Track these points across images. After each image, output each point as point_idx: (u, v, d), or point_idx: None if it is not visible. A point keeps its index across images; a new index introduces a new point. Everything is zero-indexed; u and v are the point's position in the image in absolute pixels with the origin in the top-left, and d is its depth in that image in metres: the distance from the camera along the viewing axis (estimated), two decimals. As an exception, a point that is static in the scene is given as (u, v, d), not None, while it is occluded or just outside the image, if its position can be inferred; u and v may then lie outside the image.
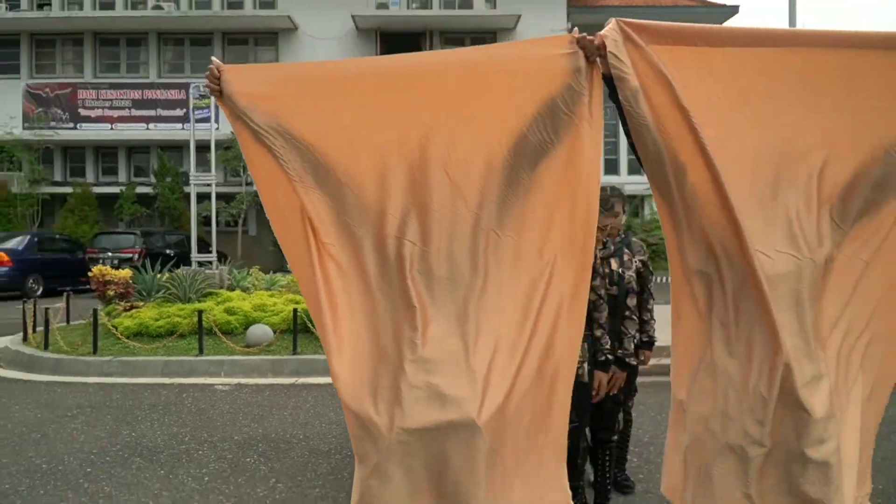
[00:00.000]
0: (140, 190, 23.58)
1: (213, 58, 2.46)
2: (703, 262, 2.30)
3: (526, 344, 2.31)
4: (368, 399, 2.26)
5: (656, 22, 2.24)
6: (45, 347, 8.61)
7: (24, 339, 9.33)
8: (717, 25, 2.53)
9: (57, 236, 19.87)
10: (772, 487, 2.25)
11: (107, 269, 10.61)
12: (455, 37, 25.93)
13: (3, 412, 6.10)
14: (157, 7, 24.61)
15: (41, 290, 17.78)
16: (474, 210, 2.29)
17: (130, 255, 17.75)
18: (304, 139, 2.31)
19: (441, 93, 2.30)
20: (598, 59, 2.24)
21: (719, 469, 2.25)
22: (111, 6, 25.43)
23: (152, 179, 23.81)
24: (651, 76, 2.15)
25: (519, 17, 24.62)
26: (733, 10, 27.14)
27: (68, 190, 24.28)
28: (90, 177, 25.42)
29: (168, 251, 19.19)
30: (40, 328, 9.35)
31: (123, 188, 23.65)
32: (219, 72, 2.33)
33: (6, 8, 24.89)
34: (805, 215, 2.22)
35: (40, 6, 25.62)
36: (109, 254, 18.12)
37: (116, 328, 8.80)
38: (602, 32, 2.20)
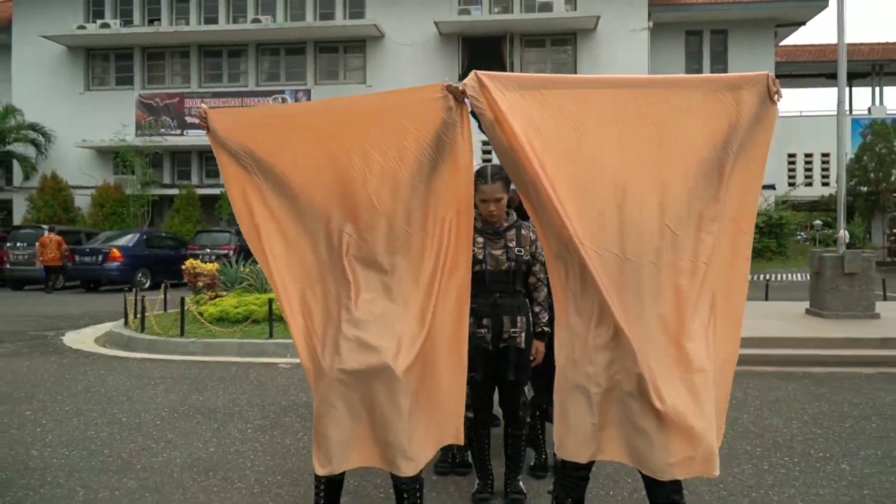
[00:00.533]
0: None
1: (202, 104, 3.36)
2: (558, 249, 2.98)
3: (431, 313, 3.07)
4: (319, 347, 3.11)
5: (506, 73, 2.95)
6: (142, 330, 9.88)
7: (126, 323, 10.67)
8: (554, 75, 3.23)
9: (163, 234, 21.73)
10: (612, 419, 2.92)
11: (197, 262, 11.90)
12: (535, 39, 26.55)
13: (100, 381, 7.28)
14: (256, 20, 26.30)
15: (149, 283, 19.55)
16: (388, 215, 3.05)
17: (226, 251, 19.19)
18: (266, 160, 3.15)
19: (356, 128, 3.07)
20: (464, 100, 2.95)
21: (571, 405, 2.93)
22: (215, 20, 27.34)
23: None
24: (503, 112, 2.82)
25: (598, 18, 24.96)
26: (823, 3, 26.55)
27: (175, 192, 26.33)
28: (195, 179, 27.43)
29: (260, 247, 20.62)
30: (143, 315, 10.70)
31: (223, 189, 25.40)
32: (205, 113, 3.21)
33: (121, 24, 27.15)
34: (638, 226, 2.83)
35: (151, 21, 27.80)
36: (208, 250, 19.71)
37: (202, 315, 9.99)
38: (464, 81, 2.92)
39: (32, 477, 4.35)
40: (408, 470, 3.05)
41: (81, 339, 10.37)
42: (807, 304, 11.81)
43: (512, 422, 3.93)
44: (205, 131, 3.20)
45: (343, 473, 3.22)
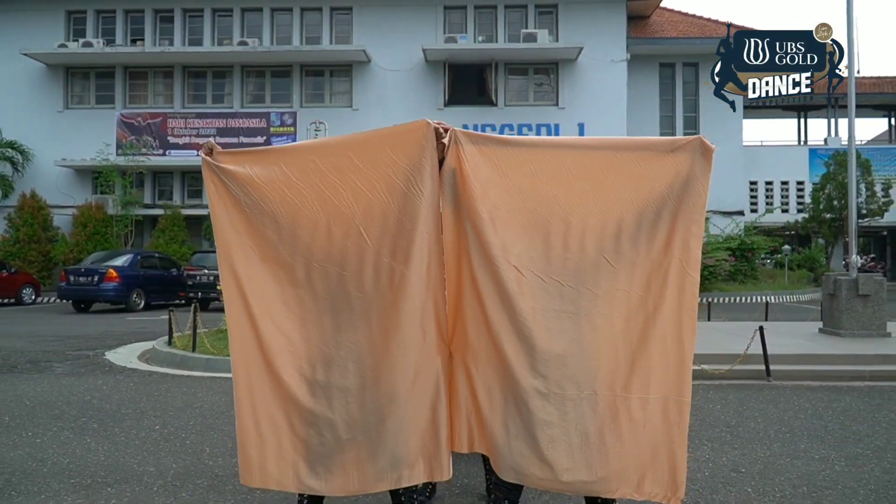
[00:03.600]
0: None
1: (211, 139, 3.46)
2: (485, 277, 3.25)
3: (416, 340, 3.24)
4: (307, 366, 3.32)
5: (477, 133, 3.31)
6: (193, 349, 10.00)
7: (170, 342, 10.76)
8: (516, 136, 3.55)
9: (156, 255, 21.54)
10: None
11: (233, 282, 12.03)
12: (519, 68, 27.30)
13: (192, 397, 7.45)
14: (243, 43, 26.44)
15: (143, 303, 19.46)
16: (376, 249, 3.21)
17: (225, 272, 19.17)
18: (255, 193, 3.27)
19: (343, 161, 3.23)
20: (442, 140, 3.18)
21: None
22: (199, 42, 27.41)
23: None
24: (466, 160, 3.19)
25: (581, 49, 25.86)
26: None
27: (158, 212, 26.19)
28: (177, 199, 27.29)
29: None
30: (177, 333, 10.85)
31: (208, 210, 25.34)
32: (212, 144, 3.34)
33: (103, 43, 26.99)
34: (562, 254, 3.17)
35: (134, 41, 27.71)
36: (206, 270, 19.67)
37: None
38: (445, 127, 3.23)
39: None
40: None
41: (126, 357, 10.43)
42: (812, 324, 12.63)
43: None
44: (203, 156, 3.35)
45: None
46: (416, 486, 3.48)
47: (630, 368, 3.19)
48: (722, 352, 9.30)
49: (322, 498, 3.54)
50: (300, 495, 3.53)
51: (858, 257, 11.70)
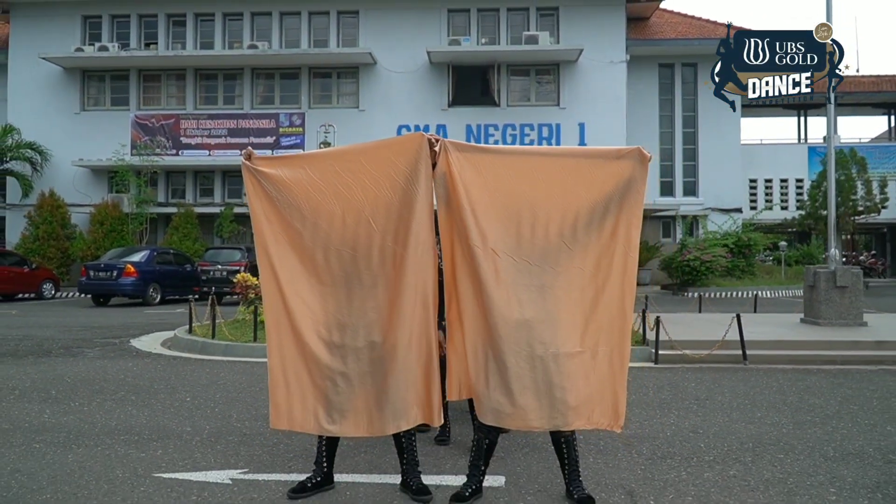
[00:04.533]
0: (238, 210, 26.02)
1: (248, 146, 4.34)
2: (469, 259, 4.00)
3: (412, 310, 4.00)
4: (324, 330, 4.11)
5: (463, 142, 4.13)
6: (213, 336, 10.77)
7: (190, 330, 11.54)
8: (493, 146, 4.31)
9: (171, 251, 22.33)
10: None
11: (248, 276, 12.83)
12: (520, 69, 28.01)
13: (215, 377, 8.22)
14: (253, 46, 27.23)
15: (159, 298, 20.25)
16: (381, 234, 4.00)
17: (238, 267, 19.95)
18: (284, 191, 4.06)
19: (352, 167, 4.02)
20: (434, 148, 3.96)
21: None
22: (211, 46, 28.18)
23: (245, 200, 26.20)
24: (453, 165, 3.96)
25: (581, 50, 26.55)
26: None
27: (171, 210, 27.01)
28: (189, 198, 28.09)
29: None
30: (196, 323, 11.63)
31: (222, 208, 26.22)
32: (250, 151, 4.13)
33: (118, 47, 27.82)
34: (530, 240, 3.94)
35: (147, 45, 28.52)
36: (219, 266, 20.47)
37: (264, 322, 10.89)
38: (437, 138, 4.02)
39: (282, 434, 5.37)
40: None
41: (150, 344, 11.22)
42: (797, 315, 13.32)
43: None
44: (244, 160, 4.12)
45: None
46: (413, 431, 4.24)
47: (584, 329, 3.96)
48: (704, 338, 10.02)
49: (337, 440, 4.32)
50: (319, 438, 4.29)
51: (837, 251, 12.38)
